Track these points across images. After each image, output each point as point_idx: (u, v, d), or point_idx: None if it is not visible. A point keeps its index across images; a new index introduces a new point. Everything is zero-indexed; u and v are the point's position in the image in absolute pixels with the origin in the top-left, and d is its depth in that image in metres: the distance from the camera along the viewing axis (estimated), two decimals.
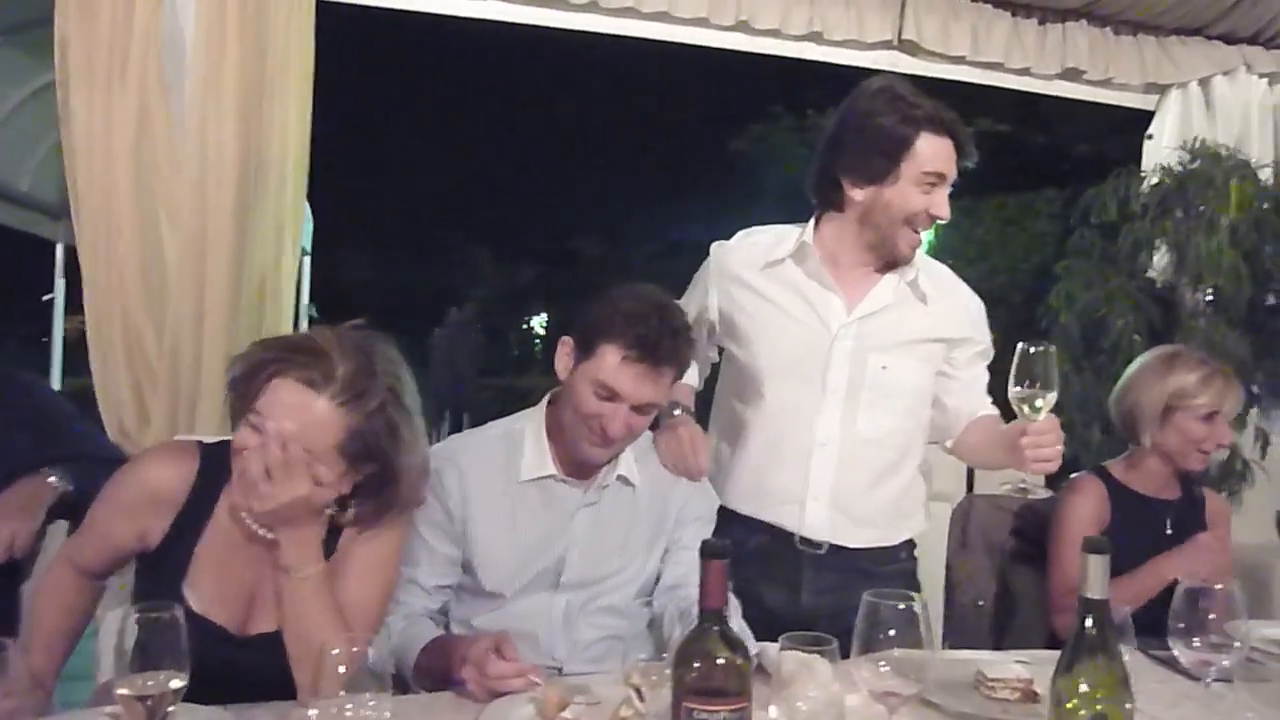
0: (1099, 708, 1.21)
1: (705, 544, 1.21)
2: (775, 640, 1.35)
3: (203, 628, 1.55)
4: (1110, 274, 4.13)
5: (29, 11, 3.32)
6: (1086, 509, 2.39)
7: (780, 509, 2.14)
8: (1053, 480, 2.79)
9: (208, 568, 1.63)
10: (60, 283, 4.95)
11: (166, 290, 2.77)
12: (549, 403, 2.00)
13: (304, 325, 4.65)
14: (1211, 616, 1.50)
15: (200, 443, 1.73)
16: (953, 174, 2.08)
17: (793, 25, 3.52)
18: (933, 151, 2.04)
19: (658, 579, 2.01)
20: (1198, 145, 3.99)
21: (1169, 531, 2.38)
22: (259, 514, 1.56)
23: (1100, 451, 3.91)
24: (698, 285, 2.31)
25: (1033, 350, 1.81)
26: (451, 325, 13.23)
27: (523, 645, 1.72)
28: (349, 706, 1.20)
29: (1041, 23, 3.80)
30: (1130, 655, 1.41)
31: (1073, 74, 3.88)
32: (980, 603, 2.62)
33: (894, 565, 2.18)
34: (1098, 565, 1.22)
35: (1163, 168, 4.04)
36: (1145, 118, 4.15)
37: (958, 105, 2.10)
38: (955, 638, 2.56)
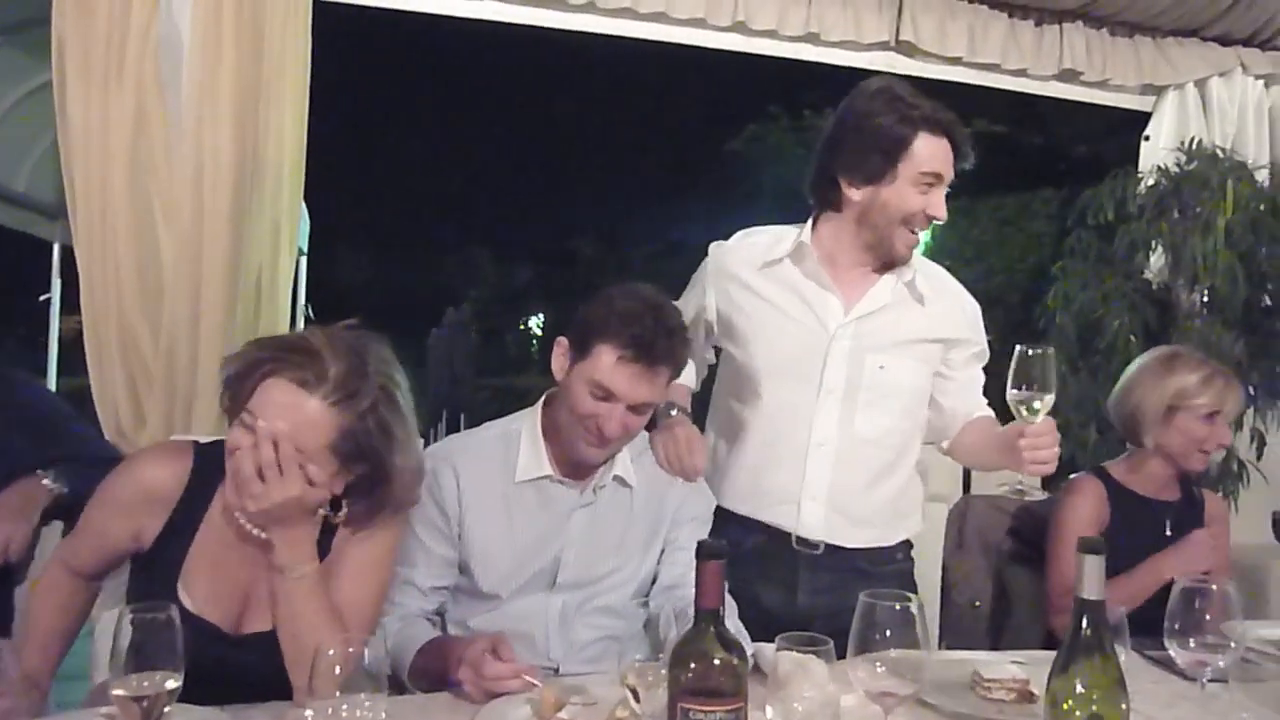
0: (1094, 708, 1.22)
1: (701, 544, 1.21)
2: (771, 641, 1.35)
3: (197, 627, 1.55)
4: (1107, 275, 4.13)
5: (26, 11, 3.32)
6: (1086, 509, 2.39)
7: (777, 509, 2.14)
8: (1050, 482, 2.79)
9: (202, 567, 1.63)
10: (56, 283, 4.94)
11: (162, 290, 2.77)
12: (545, 403, 2.00)
13: (300, 326, 4.65)
14: (1207, 617, 1.50)
15: (195, 442, 1.73)
16: (950, 175, 2.08)
17: (790, 26, 3.52)
18: (930, 152, 2.04)
19: (654, 579, 2.01)
20: (1194, 146, 4.00)
21: (1168, 533, 2.38)
22: (252, 514, 1.56)
23: (1097, 451, 3.92)
24: (696, 285, 2.31)
25: (1031, 353, 1.81)
26: (449, 325, 13.22)
27: (519, 646, 1.72)
28: (344, 707, 1.20)
29: (1038, 24, 3.81)
30: (1126, 656, 1.41)
31: (1069, 75, 3.89)
32: (977, 603, 2.62)
33: (891, 566, 2.18)
34: (1093, 566, 1.22)
35: (1159, 169, 4.05)
36: (1142, 119, 4.17)
37: (955, 106, 2.10)
38: (951, 638, 2.57)
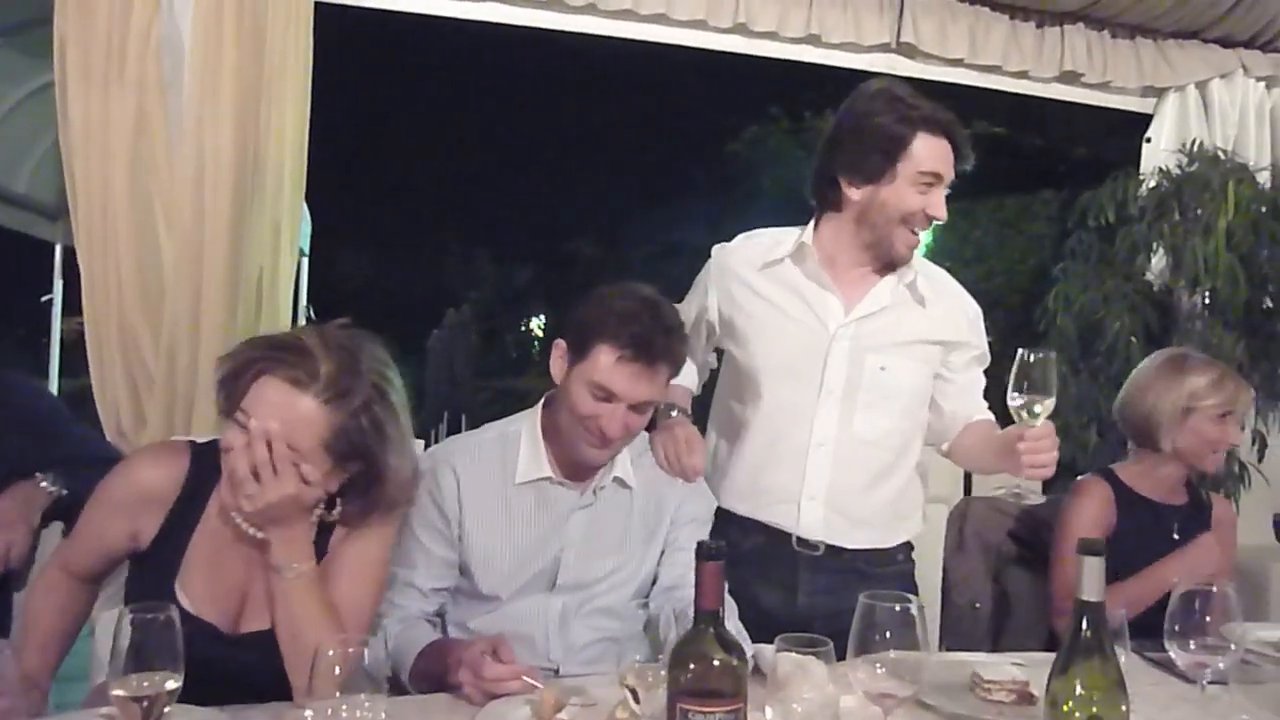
0: (1094, 710, 1.22)
1: (700, 545, 1.21)
2: (771, 642, 1.35)
3: (194, 626, 1.55)
4: (1107, 276, 4.13)
5: (28, 12, 3.33)
6: (1092, 511, 2.37)
7: (777, 509, 2.14)
8: (1050, 484, 2.79)
9: (199, 567, 1.63)
10: (58, 283, 4.95)
11: (163, 291, 2.77)
12: (544, 405, 2.00)
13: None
14: (1207, 619, 1.50)
15: (191, 442, 1.73)
16: (949, 175, 2.08)
17: (790, 28, 3.53)
18: (929, 152, 2.05)
19: (654, 580, 2.01)
20: (1195, 148, 4.00)
21: (1175, 536, 2.37)
22: (247, 514, 1.56)
23: (1097, 454, 3.92)
24: (698, 287, 2.32)
25: (1032, 358, 1.80)
26: (449, 326, 13.24)
27: (519, 647, 1.72)
28: (344, 707, 1.20)
29: (1039, 25, 3.81)
30: (1125, 657, 1.41)
31: (1070, 77, 3.89)
32: (976, 605, 2.62)
33: (891, 567, 2.18)
34: (1093, 567, 1.22)
35: (1160, 170, 4.05)
36: (1143, 120, 4.17)
37: (955, 108, 2.11)
38: (951, 640, 2.57)
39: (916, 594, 1.71)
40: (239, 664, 1.58)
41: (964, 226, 12.63)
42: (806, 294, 2.16)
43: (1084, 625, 1.23)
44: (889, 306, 2.15)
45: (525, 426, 1.99)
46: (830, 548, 2.12)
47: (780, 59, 3.66)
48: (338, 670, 1.21)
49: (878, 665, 1.31)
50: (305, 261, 5.30)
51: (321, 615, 1.57)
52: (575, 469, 1.95)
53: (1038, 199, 12.83)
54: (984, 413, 2.25)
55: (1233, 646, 1.49)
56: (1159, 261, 4.11)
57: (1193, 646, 1.50)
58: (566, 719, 1.52)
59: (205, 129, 2.78)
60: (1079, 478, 2.49)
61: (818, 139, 2.24)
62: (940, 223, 2.13)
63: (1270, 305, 4.03)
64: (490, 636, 1.68)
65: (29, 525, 1.99)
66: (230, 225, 2.80)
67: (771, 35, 3.54)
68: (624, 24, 3.44)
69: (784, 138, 15.05)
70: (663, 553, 2.01)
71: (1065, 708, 1.23)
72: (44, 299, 5.01)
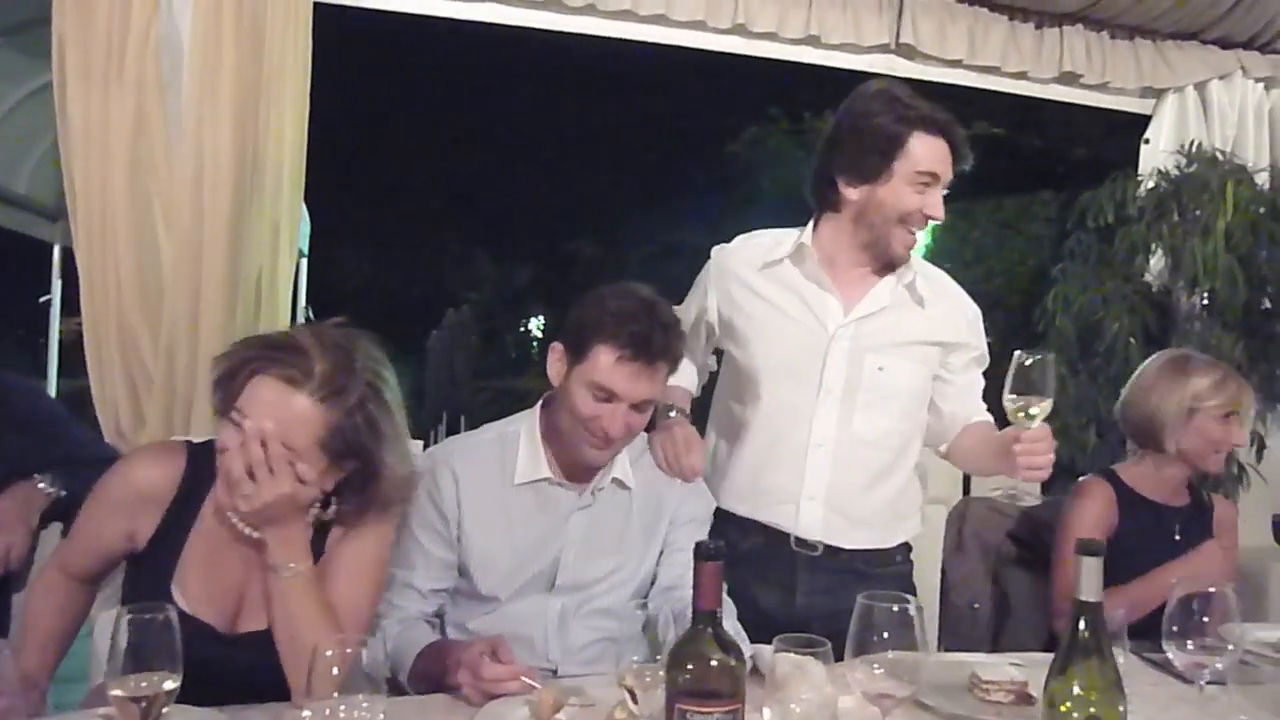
0: (1092, 710, 1.21)
1: (699, 546, 1.21)
2: (769, 642, 1.35)
3: (191, 626, 1.55)
4: (1106, 277, 4.13)
5: (26, 12, 3.32)
6: (1093, 512, 2.36)
7: (776, 509, 2.14)
8: (1048, 485, 2.79)
9: (195, 567, 1.63)
10: (57, 284, 4.94)
11: (162, 292, 2.77)
12: (543, 406, 2.00)
13: None
14: (1205, 619, 1.50)
15: (188, 442, 1.73)
16: (947, 175, 2.08)
17: (790, 28, 3.53)
18: (926, 151, 2.05)
19: (653, 581, 2.01)
20: (1194, 149, 4.00)
21: (1177, 537, 2.36)
22: (244, 514, 1.56)
23: (1096, 454, 3.92)
24: (698, 288, 2.32)
25: (1029, 360, 1.80)
26: (449, 327, 13.24)
27: (518, 648, 1.72)
28: (342, 707, 1.20)
29: (1038, 26, 3.82)
30: (1124, 658, 1.41)
31: (1069, 78, 3.89)
32: (975, 605, 2.62)
33: (889, 568, 2.18)
34: (1091, 568, 1.22)
35: (1159, 171, 4.05)
36: (1142, 121, 4.17)
37: (955, 108, 2.11)
38: (950, 640, 2.57)
39: (915, 595, 1.70)
40: (236, 664, 1.58)
41: (963, 227, 12.64)
42: (806, 294, 2.17)
43: (1082, 626, 1.23)
44: (888, 307, 2.15)
45: (524, 427, 1.99)
46: (828, 548, 2.12)
47: (779, 60, 3.66)
48: (336, 670, 1.20)
49: (876, 666, 1.31)
50: (304, 262, 5.30)
51: (319, 615, 1.57)
52: (576, 470, 1.96)
53: (1037, 200, 12.84)
54: (983, 414, 2.25)
55: (1231, 647, 1.49)
56: (1158, 262, 4.11)
57: (1191, 647, 1.50)
58: (565, 719, 1.52)
59: (204, 129, 2.78)
60: (1080, 478, 2.48)
61: (817, 140, 2.25)
62: (938, 223, 2.13)
63: (1269, 306, 4.04)
64: (489, 637, 1.68)
65: (28, 526, 1.99)
66: (229, 225, 2.80)
67: (771, 36, 3.54)
68: (623, 24, 3.45)
69: (783, 138, 15.05)
70: (661, 553, 2.01)
71: (1063, 708, 1.23)
72: (42, 299, 5.01)
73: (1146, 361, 2.49)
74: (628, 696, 1.43)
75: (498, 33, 3.47)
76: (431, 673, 1.73)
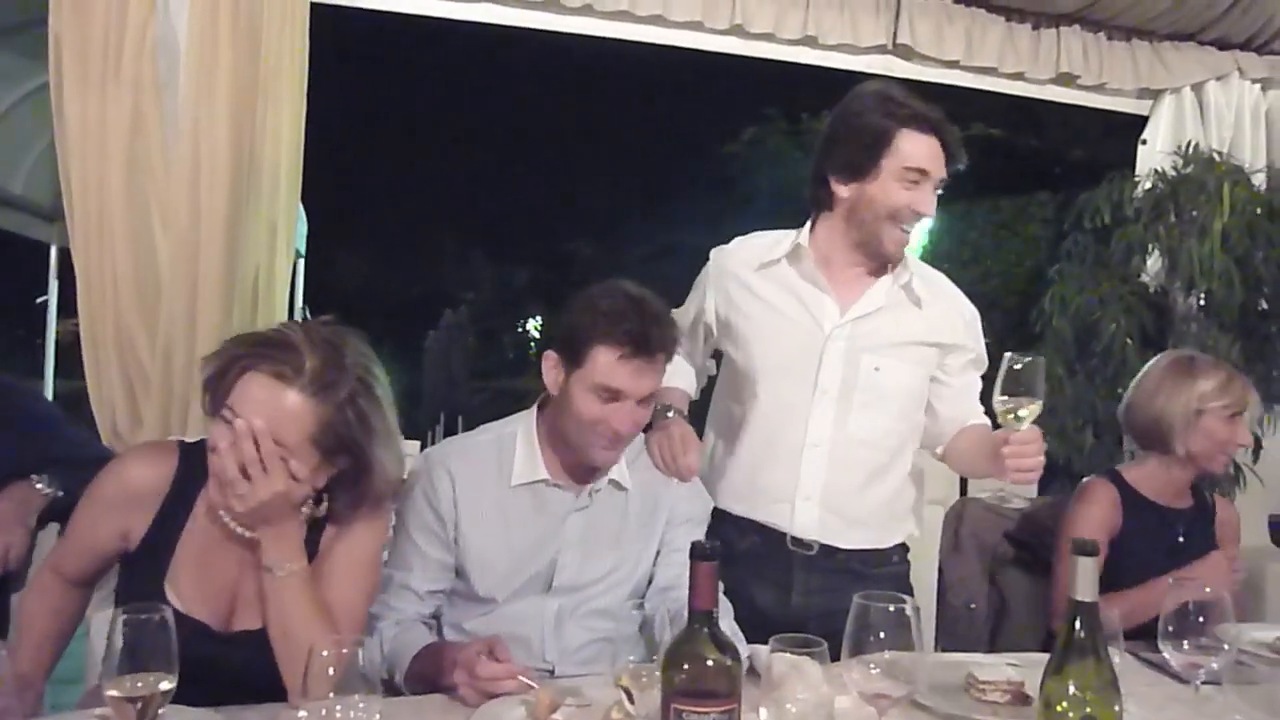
0: (1088, 710, 1.22)
1: (694, 546, 1.21)
2: (766, 641, 1.35)
3: (185, 625, 1.55)
4: (1103, 278, 4.13)
5: (22, 13, 3.32)
6: (1097, 514, 2.35)
7: (772, 508, 2.14)
8: (1047, 485, 2.79)
9: (188, 565, 1.63)
10: (54, 285, 4.95)
11: (159, 292, 2.77)
12: (539, 408, 2.00)
13: None
14: (1201, 619, 1.50)
15: (180, 442, 1.74)
16: (938, 172, 2.08)
17: (787, 29, 3.52)
18: (914, 148, 2.05)
19: (650, 581, 2.01)
20: (1191, 150, 4.00)
21: (1180, 539, 2.36)
22: (238, 513, 1.56)
23: (1093, 455, 3.92)
24: (697, 289, 2.33)
25: (1018, 365, 1.80)
26: (446, 327, 13.24)
27: (515, 648, 1.72)
28: (338, 708, 1.20)
29: (1035, 27, 3.81)
30: (1119, 658, 1.41)
31: (1066, 79, 3.89)
32: (972, 605, 2.62)
33: (886, 568, 2.18)
34: (1086, 568, 1.23)
35: (1156, 172, 4.05)
36: (1139, 122, 4.17)
37: (952, 109, 2.11)
38: (947, 640, 2.57)
39: (911, 595, 1.71)
40: (231, 662, 1.58)
41: (960, 228, 12.67)
42: (802, 294, 2.17)
43: (1078, 626, 1.23)
44: (884, 307, 2.15)
45: (521, 429, 1.99)
46: (824, 547, 2.12)
47: (777, 60, 3.66)
48: (332, 671, 1.20)
49: (872, 666, 1.31)
50: (301, 262, 5.30)
51: (314, 615, 1.57)
52: (576, 471, 1.96)
53: (1034, 201, 12.86)
54: (979, 417, 2.25)
55: (1226, 647, 1.49)
56: (1154, 263, 4.11)
57: (1187, 647, 1.50)
58: (561, 719, 1.52)
59: (201, 129, 2.77)
60: (1085, 479, 2.47)
61: (815, 140, 2.25)
62: (929, 219, 2.13)
63: (1265, 307, 4.04)
64: (486, 637, 1.68)
65: (25, 527, 1.99)
66: (226, 226, 2.79)
67: (768, 37, 3.54)
68: (621, 25, 3.44)
69: (781, 139, 15.08)
70: (658, 553, 2.01)
71: (1059, 708, 1.23)
72: (39, 300, 5.01)
73: (1150, 363, 2.48)
74: (624, 697, 1.43)
75: (495, 33, 3.46)
76: (428, 673, 1.73)
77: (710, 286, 2.28)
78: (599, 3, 3.31)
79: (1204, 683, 1.53)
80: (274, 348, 1.55)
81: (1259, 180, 3.99)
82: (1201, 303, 4.00)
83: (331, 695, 1.20)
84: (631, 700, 1.42)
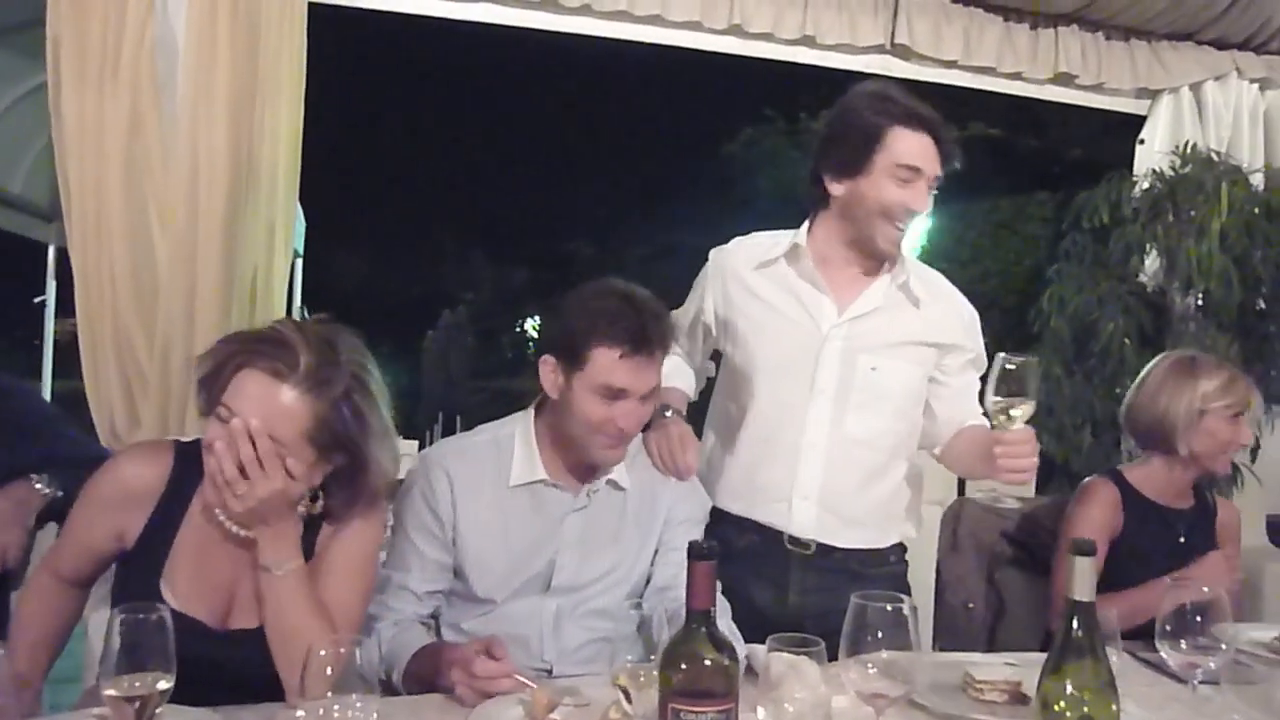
0: (1085, 710, 1.22)
1: (691, 545, 1.21)
2: (763, 640, 1.35)
3: (182, 623, 1.55)
4: (1101, 278, 4.14)
5: (21, 13, 3.32)
6: (1098, 514, 2.35)
7: (770, 507, 2.15)
8: (1043, 485, 2.79)
9: (184, 564, 1.63)
10: (52, 285, 4.94)
11: (157, 292, 2.76)
12: (536, 409, 2.00)
13: None
14: (1199, 619, 1.50)
15: (176, 441, 1.74)
16: (931, 169, 2.08)
17: (785, 29, 3.53)
18: (905, 145, 2.05)
19: (648, 581, 2.01)
20: (1189, 150, 4.00)
21: (1182, 540, 2.35)
22: (237, 513, 1.56)
23: (1091, 454, 3.92)
24: (696, 290, 2.34)
25: (1011, 365, 1.79)
26: (445, 328, 13.24)
27: (513, 648, 1.72)
28: (336, 708, 1.20)
29: (1033, 27, 3.82)
30: (1117, 657, 1.41)
31: (1065, 78, 3.89)
32: (970, 605, 2.62)
33: (883, 568, 2.18)
34: (1084, 568, 1.22)
35: (1154, 172, 4.05)
36: (1137, 122, 4.17)
37: (951, 109, 2.11)
38: (945, 640, 2.57)
39: (909, 595, 1.71)
40: (228, 660, 1.58)
41: (959, 228, 12.68)
42: (800, 294, 2.17)
43: (1075, 625, 1.23)
44: (881, 307, 2.15)
45: (519, 430, 1.99)
46: (822, 547, 2.13)
47: (775, 60, 3.67)
48: (330, 670, 1.20)
49: (870, 665, 1.31)
50: (300, 262, 5.30)
51: (312, 614, 1.57)
52: (578, 470, 1.96)
53: (1032, 200, 12.88)
54: (978, 418, 2.24)
55: (1224, 646, 1.49)
56: (1153, 263, 4.12)
57: (1184, 647, 1.50)
58: (559, 719, 1.52)
59: (199, 129, 2.77)
60: (1086, 479, 2.47)
61: (813, 141, 2.26)
62: (925, 218, 2.13)
63: (1263, 307, 4.04)
64: (484, 637, 1.68)
65: (23, 526, 1.99)
66: (224, 225, 2.79)
67: (766, 37, 3.54)
68: (619, 25, 3.44)
69: (779, 139, 15.10)
70: (656, 553, 2.01)
71: (1057, 708, 1.23)
72: (37, 300, 5.01)
73: (1152, 363, 2.48)
74: (622, 696, 1.43)
75: (494, 33, 3.47)
76: (426, 674, 1.73)
77: (709, 287, 2.29)
78: (597, 2, 3.31)
79: (1202, 682, 1.53)
80: (269, 345, 1.55)
81: (1257, 180, 4.00)
82: (1199, 302, 4.00)
83: (329, 695, 1.20)
84: (629, 700, 1.42)
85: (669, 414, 2.14)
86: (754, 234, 2.32)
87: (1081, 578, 1.23)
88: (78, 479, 1.79)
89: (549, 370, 1.89)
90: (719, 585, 1.61)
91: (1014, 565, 2.64)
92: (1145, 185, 4.07)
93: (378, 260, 22.31)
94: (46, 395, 4.90)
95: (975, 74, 3.82)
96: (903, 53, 3.69)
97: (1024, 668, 1.72)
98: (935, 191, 2.12)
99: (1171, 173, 4.01)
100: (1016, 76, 3.85)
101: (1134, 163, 4.18)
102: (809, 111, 13.27)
